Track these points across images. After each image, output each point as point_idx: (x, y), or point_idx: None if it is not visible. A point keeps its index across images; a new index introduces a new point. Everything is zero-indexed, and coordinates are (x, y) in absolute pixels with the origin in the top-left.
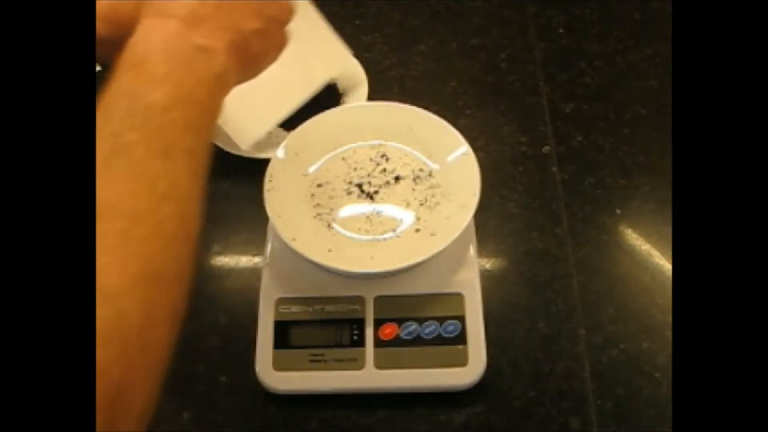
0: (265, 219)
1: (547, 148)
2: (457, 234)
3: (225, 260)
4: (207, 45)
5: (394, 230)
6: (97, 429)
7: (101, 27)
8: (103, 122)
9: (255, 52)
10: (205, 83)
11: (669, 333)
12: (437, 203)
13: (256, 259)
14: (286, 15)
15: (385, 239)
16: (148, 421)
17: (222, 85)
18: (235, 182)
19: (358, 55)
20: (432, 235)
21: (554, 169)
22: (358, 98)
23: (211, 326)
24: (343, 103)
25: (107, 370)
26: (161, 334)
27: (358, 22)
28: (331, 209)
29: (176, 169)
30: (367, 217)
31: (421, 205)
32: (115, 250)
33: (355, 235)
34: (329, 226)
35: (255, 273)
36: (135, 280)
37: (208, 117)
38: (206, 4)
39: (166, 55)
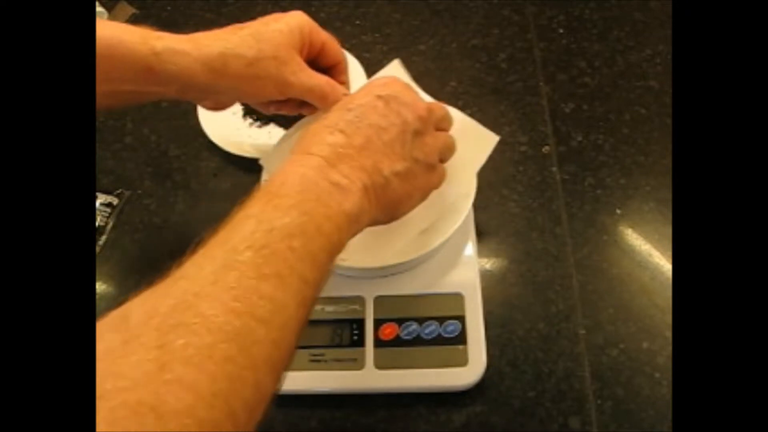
0: None
1: (547, 148)
2: (452, 231)
3: None
4: (343, 183)
5: (387, 229)
6: None
7: (202, 71)
8: (224, 239)
9: (395, 194)
10: (334, 219)
11: (669, 333)
12: (434, 201)
13: None
14: (433, 156)
15: (376, 238)
16: None
17: (352, 223)
18: (235, 182)
19: (358, 55)
20: (426, 233)
21: (554, 169)
22: None
23: None
24: None
25: None
26: None
27: (358, 22)
28: None
29: (283, 295)
30: None
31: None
32: (194, 363)
33: None
34: None
35: None
36: (204, 399)
37: (329, 252)
38: (351, 144)
39: (301, 187)
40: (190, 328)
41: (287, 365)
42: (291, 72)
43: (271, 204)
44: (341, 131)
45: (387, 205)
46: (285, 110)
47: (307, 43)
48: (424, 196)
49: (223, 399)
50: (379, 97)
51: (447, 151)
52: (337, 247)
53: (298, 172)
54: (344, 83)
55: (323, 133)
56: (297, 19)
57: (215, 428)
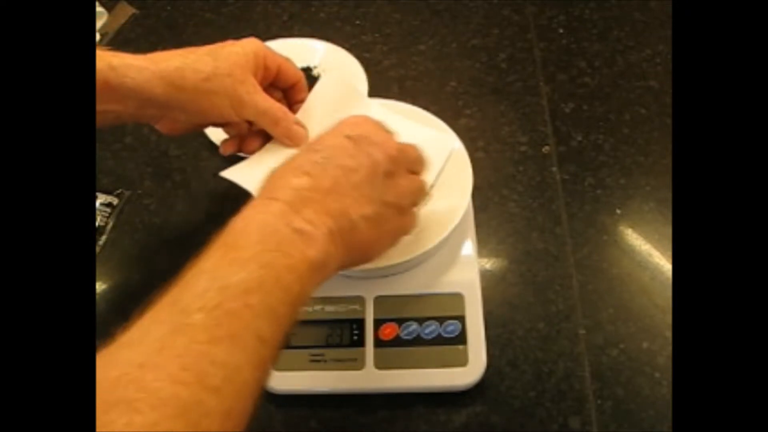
0: None
1: (547, 148)
2: (447, 233)
3: None
4: (306, 229)
5: None
6: None
7: (160, 86)
8: (175, 299)
9: (364, 238)
10: (296, 269)
11: (669, 333)
12: (429, 203)
13: None
14: (405, 199)
15: None
16: None
17: (316, 271)
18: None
19: (358, 55)
20: (422, 233)
21: (554, 169)
22: None
23: None
24: None
25: None
26: None
27: (358, 22)
28: None
29: (238, 358)
30: None
31: None
32: None
33: None
34: None
35: None
36: None
37: (291, 304)
38: (318, 187)
39: (260, 236)
40: (132, 406)
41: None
42: (246, 91)
43: (227, 258)
44: (307, 173)
45: (355, 249)
46: (238, 143)
47: (262, 66)
48: (394, 240)
49: None
50: (349, 137)
51: (419, 195)
52: (300, 299)
53: (257, 219)
54: (302, 100)
55: (288, 176)
56: (252, 45)
57: None
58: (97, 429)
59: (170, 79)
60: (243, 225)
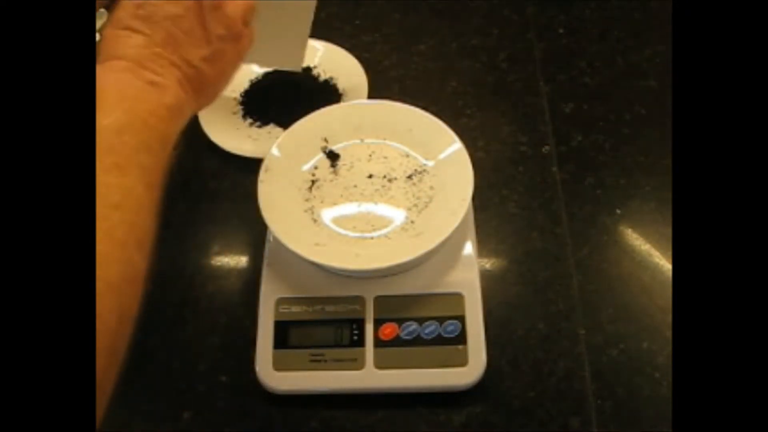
0: None
1: (547, 148)
2: (446, 236)
3: (225, 260)
4: (157, 80)
5: (383, 229)
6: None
7: None
8: None
9: (209, 78)
10: (157, 113)
11: (669, 333)
12: (429, 203)
13: (256, 259)
14: (237, 26)
15: (373, 237)
16: None
17: (175, 115)
18: (235, 182)
19: (358, 55)
20: (421, 235)
21: (554, 169)
22: (358, 98)
23: (211, 326)
24: (343, 102)
25: None
26: (102, 339)
27: (358, 22)
28: (322, 204)
29: (129, 181)
30: (358, 215)
31: (415, 205)
32: None
33: (343, 232)
34: (319, 221)
35: (255, 273)
36: None
37: (161, 142)
38: (154, 42)
39: (117, 90)
40: None
41: (151, 243)
42: None
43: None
44: (139, 31)
45: (203, 90)
46: None
47: None
48: (237, 66)
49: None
50: None
51: (248, 13)
52: (168, 138)
53: (111, 78)
54: None
55: (121, 37)
56: None
57: (99, 307)
58: None
59: None
60: (99, 85)
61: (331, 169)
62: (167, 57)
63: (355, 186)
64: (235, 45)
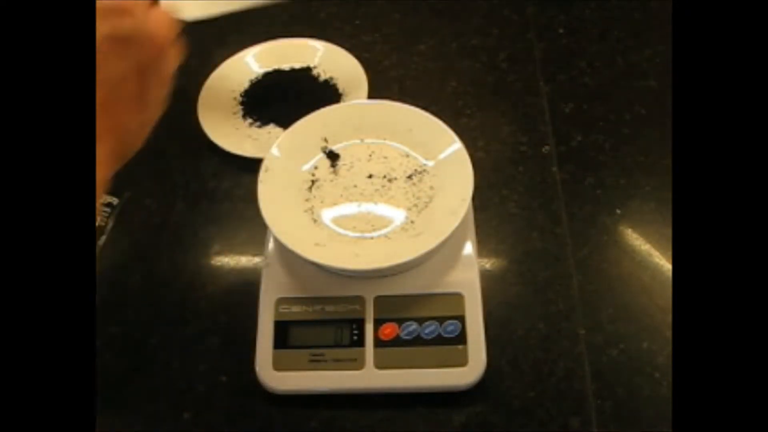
0: None
1: (547, 148)
2: (446, 236)
3: (225, 260)
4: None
5: (383, 229)
6: None
7: None
8: None
9: (140, 140)
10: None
11: (669, 333)
12: (429, 203)
13: (256, 259)
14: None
15: (372, 237)
16: None
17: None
18: (235, 182)
19: (358, 55)
20: (421, 235)
21: (554, 169)
22: (358, 98)
23: (211, 326)
24: (343, 102)
25: None
26: None
27: (358, 22)
28: (322, 204)
29: None
30: (358, 215)
31: (415, 205)
32: None
33: (342, 232)
34: (319, 221)
35: (255, 273)
36: None
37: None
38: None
39: None
40: None
41: None
42: None
43: None
44: None
45: (132, 150)
46: None
47: None
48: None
49: None
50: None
51: (172, 30)
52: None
53: None
54: None
55: None
56: None
57: None
58: None
59: None
60: None
61: (331, 169)
62: (101, 123)
63: (355, 186)
64: (159, 89)
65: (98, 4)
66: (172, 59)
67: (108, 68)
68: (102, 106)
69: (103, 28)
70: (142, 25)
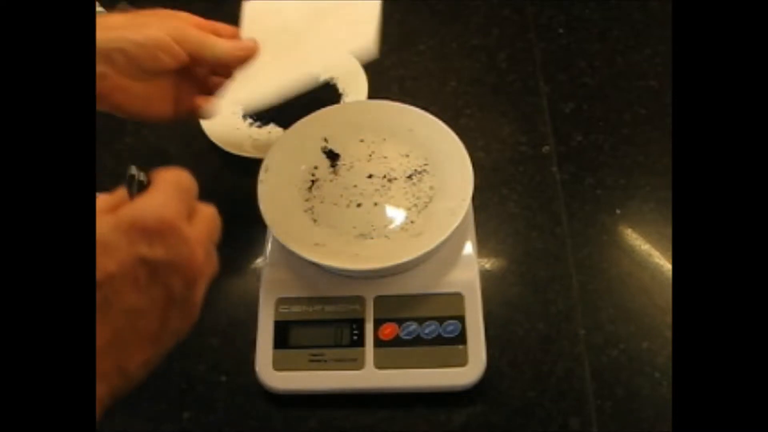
0: None
1: (547, 148)
2: (446, 236)
3: (225, 260)
4: None
5: (383, 229)
6: None
7: None
8: None
9: (138, 382)
10: None
11: (669, 333)
12: (429, 203)
13: (256, 259)
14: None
15: (373, 237)
16: None
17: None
18: (235, 182)
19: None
20: (421, 235)
21: (554, 169)
22: (358, 98)
23: (211, 326)
24: (343, 102)
25: None
26: None
27: None
28: (322, 204)
29: None
30: (358, 215)
31: (415, 205)
32: None
33: (342, 232)
34: (319, 221)
35: (255, 273)
36: None
37: None
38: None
39: None
40: None
41: None
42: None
43: None
44: None
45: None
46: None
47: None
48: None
49: None
50: (144, 258)
51: (214, 234)
52: None
53: None
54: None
55: None
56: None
57: None
58: None
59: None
60: None
61: (331, 169)
62: (104, 364)
63: (355, 186)
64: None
65: (131, 222)
66: (206, 283)
67: (128, 299)
68: (110, 344)
69: (130, 252)
70: (179, 249)
